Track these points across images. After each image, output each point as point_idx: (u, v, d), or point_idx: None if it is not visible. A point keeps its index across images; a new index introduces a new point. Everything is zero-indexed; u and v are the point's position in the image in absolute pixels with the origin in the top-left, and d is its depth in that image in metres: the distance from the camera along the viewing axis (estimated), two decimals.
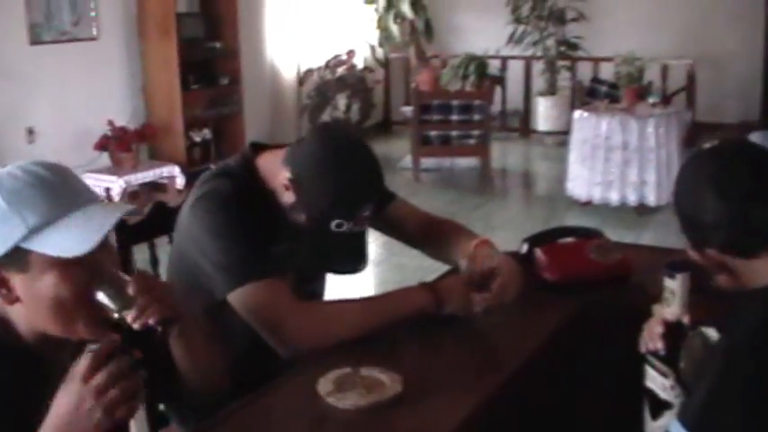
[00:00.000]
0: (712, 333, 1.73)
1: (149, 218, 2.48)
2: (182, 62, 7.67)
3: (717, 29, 10.41)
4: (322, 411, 1.77)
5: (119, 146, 7.08)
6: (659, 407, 1.76)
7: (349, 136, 2.17)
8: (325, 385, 1.82)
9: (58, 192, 1.50)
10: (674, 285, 1.75)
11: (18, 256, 1.46)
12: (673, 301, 1.74)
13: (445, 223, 2.50)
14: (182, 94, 7.73)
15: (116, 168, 7.08)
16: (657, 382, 1.75)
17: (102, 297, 1.52)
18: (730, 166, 1.65)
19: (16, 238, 1.45)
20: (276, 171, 2.16)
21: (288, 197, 2.12)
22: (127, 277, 1.56)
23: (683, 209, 1.68)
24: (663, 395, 1.74)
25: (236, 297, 2.05)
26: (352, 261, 2.18)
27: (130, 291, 1.53)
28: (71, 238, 1.45)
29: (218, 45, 8.28)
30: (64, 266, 1.47)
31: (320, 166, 2.08)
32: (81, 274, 1.49)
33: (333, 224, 2.06)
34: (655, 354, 1.76)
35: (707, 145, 1.71)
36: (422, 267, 2.39)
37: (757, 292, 1.63)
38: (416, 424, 1.74)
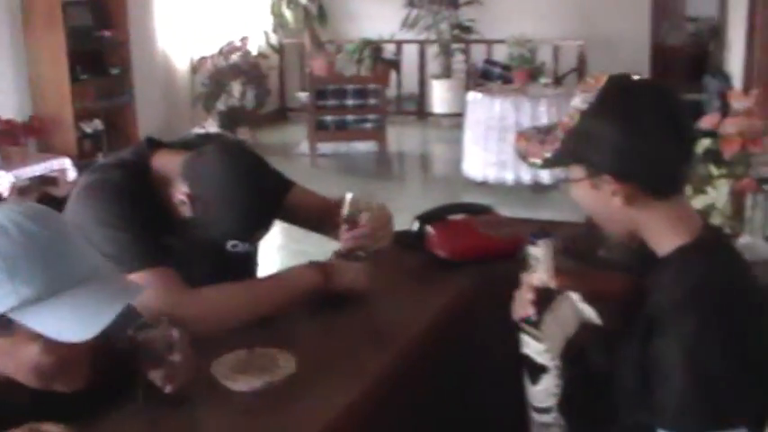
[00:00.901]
0: (576, 297, 1.82)
1: None
2: (69, 52, 7.48)
3: (606, 11, 10.65)
4: (217, 394, 1.76)
5: (6, 140, 6.89)
6: (537, 371, 1.81)
7: (248, 157, 2.14)
8: (219, 368, 1.82)
9: (53, 262, 1.43)
10: (538, 252, 1.78)
11: (2, 322, 1.41)
12: (538, 268, 1.78)
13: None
14: (71, 85, 7.55)
15: (4, 163, 6.87)
16: (532, 347, 1.80)
17: None
18: (646, 98, 1.67)
19: (5, 306, 1.39)
20: (171, 176, 2.13)
21: (185, 211, 2.10)
22: None
23: (588, 127, 1.66)
24: (539, 359, 1.79)
25: None
26: (243, 274, 2.25)
27: None
28: (67, 321, 1.41)
29: (107, 34, 8.10)
30: (49, 340, 1.42)
31: (221, 191, 2.05)
32: (65, 346, 1.44)
33: (229, 245, 2.09)
34: (527, 320, 1.80)
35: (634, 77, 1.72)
36: (324, 253, 2.39)
37: (668, 259, 1.67)
38: (311, 402, 1.75)
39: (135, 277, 2.01)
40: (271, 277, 2.19)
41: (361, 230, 2.12)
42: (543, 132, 1.76)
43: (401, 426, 2.05)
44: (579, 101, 1.68)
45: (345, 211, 2.14)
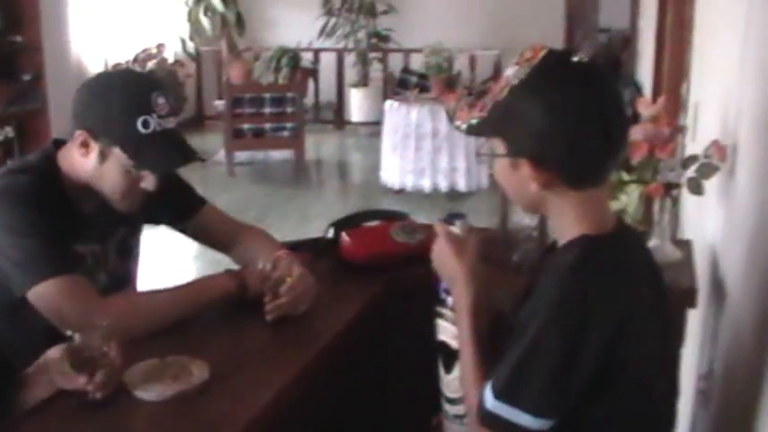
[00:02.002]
0: None
1: None
2: None
3: (520, 21, 10.83)
4: (129, 403, 1.75)
5: None
6: (452, 359, 1.81)
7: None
8: (131, 377, 1.80)
9: None
10: (455, 231, 1.80)
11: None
12: None
13: (251, 230, 2.51)
14: None
15: None
16: (449, 331, 1.80)
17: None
18: (578, 83, 1.59)
19: None
20: (73, 154, 2.13)
21: (90, 155, 2.09)
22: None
23: (512, 105, 1.59)
24: (454, 344, 1.78)
25: (35, 294, 2.00)
26: (174, 155, 2.15)
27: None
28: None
29: (18, 39, 7.94)
30: None
31: (95, 90, 2.10)
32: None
33: (139, 125, 2.03)
34: (443, 303, 1.82)
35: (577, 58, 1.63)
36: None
37: (565, 246, 1.65)
38: (224, 409, 1.74)
39: (45, 285, 1.99)
40: (184, 285, 2.18)
41: (281, 302, 2.13)
42: (475, 96, 1.70)
43: (312, 429, 2.07)
44: (512, 73, 1.61)
45: (269, 282, 2.14)
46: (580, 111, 1.56)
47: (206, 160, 2.22)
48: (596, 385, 1.55)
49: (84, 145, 2.10)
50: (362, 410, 2.27)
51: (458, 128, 1.71)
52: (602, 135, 1.58)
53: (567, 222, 1.65)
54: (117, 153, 2.07)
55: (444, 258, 1.79)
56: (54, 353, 1.77)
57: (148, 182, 2.12)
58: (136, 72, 2.15)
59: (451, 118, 1.74)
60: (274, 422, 1.80)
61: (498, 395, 1.55)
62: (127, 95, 2.07)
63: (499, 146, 1.64)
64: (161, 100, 2.08)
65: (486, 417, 1.56)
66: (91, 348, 1.74)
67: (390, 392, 2.42)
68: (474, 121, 1.66)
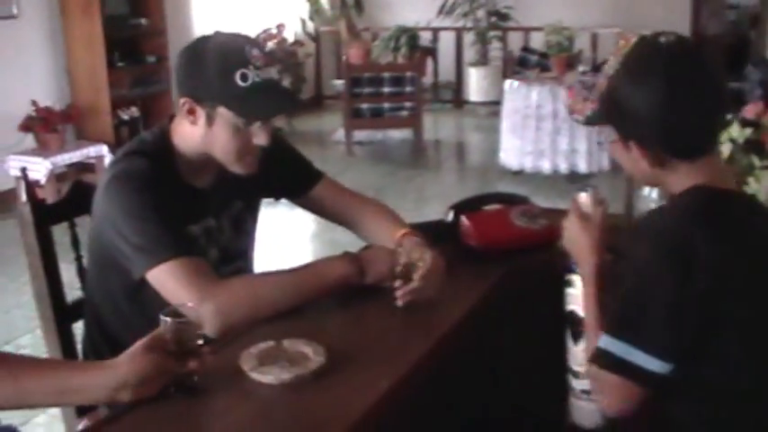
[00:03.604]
0: None
1: (69, 197, 2.43)
2: (106, 40, 7.52)
3: None
4: (246, 386, 1.74)
5: (44, 127, 6.92)
6: (579, 328, 1.85)
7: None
8: (248, 360, 1.79)
9: None
10: (584, 201, 1.91)
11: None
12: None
13: (372, 204, 2.50)
14: (107, 73, 7.58)
15: (42, 150, 6.92)
16: (578, 300, 1.86)
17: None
18: (669, 63, 1.68)
19: None
20: (183, 126, 2.16)
21: (199, 121, 2.11)
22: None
23: (612, 93, 1.73)
24: (582, 313, 1.84)
25: (155, 276, 2.02)
26: (278, 101, 2.20)
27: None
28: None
29: (143, 22, 8.14)
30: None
31: (190, 56, 2.12)
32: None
33: (237, 79, 2.04)
34: (574, 271, 1.89)
35: (664, 39, 1.70)
36: (355, 243, 2.37)
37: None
38: (341, 395, 1.72)
39: (163, 267, 2.00)
40: (302, 267, 2.16)
41: (413, 286, 2.10)
42: (588, 88, 1.84)
43: (432, 418, 2.03)
44: (612, 63, 1.74)
45: (399, 266, 2.11)
46: (669, 90, 1.65)
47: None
48: (704, 338, 1.59)
49: (191, 112, 2.11)
50: (477, 402, 2.22)
51: (578, 121, 1.93)
52: (695, 109, 1.67)
53: (687, 185, 1.71)
54: (222, 112, 2.08)
55: (572, 232, 1.90)
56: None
57: (260, 137, 2.12)
58: (225, 32, 2.16)
59: (571, 112, 1.98)
60: (390, 409, 1.76)
61: (610, 331, 1.62)
62: (220, 53, 2.08)
63: (611, 132, 1.78)
64: (255, 51, 2.09)
65: (598, 354, 1.62)
66: (187, 331, 1.73)
67: (504, 382, 2.36)
68: (589, 113, 1.82)
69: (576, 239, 1.88)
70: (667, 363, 1.58)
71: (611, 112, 1.75)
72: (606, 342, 1.61)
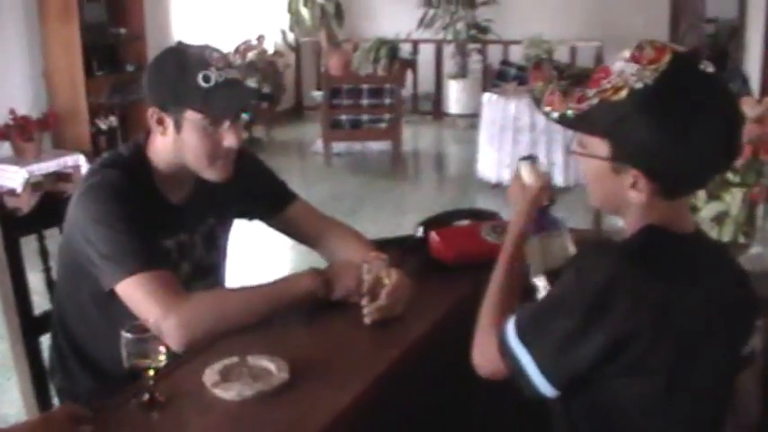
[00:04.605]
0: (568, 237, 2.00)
1: (38, 209, 2.43)
2: (85, 48, 7.49)
3: (623, 11, 10.59)
4: (208, 402, 1.74)
5: (20, 135, 6.88)
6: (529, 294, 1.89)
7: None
8: (211, 375, 1.79)
9: None
10: (525, 170, 1.99)
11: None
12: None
13: (341, 228, 2.51)
14: (86, 81, 7.55)
15: (18, 158, 6.88)
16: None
17: None
18: (704, 102, 1.51)
19: None
20: (155, 138, 2.19)
21: (168, 130, 2.14)
22: None
23: (632, 115, 1.51)
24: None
25: (123, 287, 2.02)
26: (242, 96, 2.24)
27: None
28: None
29: (122, 30, 8.13)
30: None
31: (154, 66, 2.18)
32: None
33: (200, 80, 2.05)
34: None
35: (703, 67, 1.54)
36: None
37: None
38: (303, 410, 1.72)
39: (132, 279, 2.00)
40: (271, 283, 2.16)
41: (380, 304, 2.11)
42: (568, 80, 1.65)
43: None
44: (630, 71, 1.51)
45: (366, 284, 2.12)
46: (703, 131, 1.50)
47: (273, 98, 2.34)
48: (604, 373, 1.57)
49: (160, 122, 2.14)
50: (446, 415, 2.22)
51: (547, 114, 1.65)
52: (721, 153, 1.55)
53: (642, 223, 1.61)
54: (189, 115, 2.10)
55: (510, 194, 2.02)
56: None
57: (229, 138, 2.13)
58: (185, 42, 2.20)
59: (538, 101, 1.67)
60: (355, 424, 1.77)
61: (519, 333, 1.60)
62: (182, 59, 2.11)
63: (600, 146, 1.58)
64: (215, 54, 2.12)
65: (506, 351, 1.62)
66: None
67: (476, 395, 2.36)
68: (570, 113, 1.59)
69: (513, 202, 2.00)
70: (557, 385, 1.59)
71: (616, 127, 1.53)
72: (514, 341, 1.61)
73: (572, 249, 1.96)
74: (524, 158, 2.02)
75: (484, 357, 1.72)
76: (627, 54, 1.54)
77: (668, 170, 1.53)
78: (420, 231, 2.51)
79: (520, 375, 1.60)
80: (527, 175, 1.98)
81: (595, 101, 1.55)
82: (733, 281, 1.70)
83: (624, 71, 1.52)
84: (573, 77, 1.67)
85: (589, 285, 1.54)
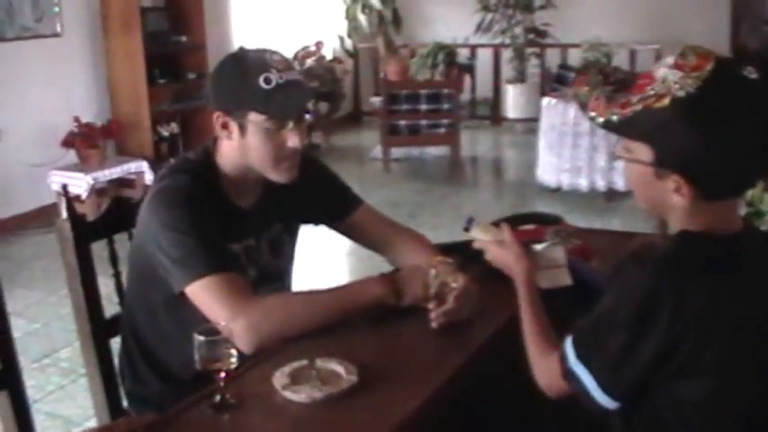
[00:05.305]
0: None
1: (107, 214, 2.47)
2: (147, 57, 7.60)
3: (682, 14, 10.47)
4: (278, 404, 1.76)
5: (85, 142, 7.01)
6: None
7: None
8: (280, 378, 1.81)
9: None
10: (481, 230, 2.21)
11: None
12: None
13: (408, 233, 2.52)
14: (148, 89, 7.66)
15: (83, 165, 7.01)
16: None
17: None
18: (747, 107, 1.54)
19: None
20: (222, 144, 2.22)
21: (233, 134, 2.16)
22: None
23: (674, 121, 1.53)
24: None
25: (193, 290, 2.05)
26: (303, 97, 2.27)
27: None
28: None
29: (183, 39, 8.22)
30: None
31: (217, 73, 2.21)
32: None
33: (261, 82, 2.08)
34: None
35: (746, 73, 1.56)
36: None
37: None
38: (372, 413, 1.74)
39: (201, 282, 2.03)
40: (341, 288, 2.18)
41: (447, 308, 2.11)
42: (613, 85, 1.67)
43: None
44: (673, 78, 1.54)
45: (433, 288, 2.13)
46: (745, 137, 1.53)
47: (334, 96, 2.40)
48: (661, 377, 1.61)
49: (225, 126, 2.17)
50: (511, 420, 2.22)
51: (592, 119, 1.68)
52: (763, 159, 1.57)
53: (686, 225, 1.64)
54: (252, 117, 2.13)
55: (495, 258, 2.15)
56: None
57: (293, 140, 2.15)
58: (246, 48, 2.25)
59: (584, 105, 1.70)
60: (422, 428, 1.78)
61: (577, 353, 1.67)
62: (243, 63, 2.15)
63: (643, 151, 1.61)
64: (276, 57, 2.15)
65: (567, 371, 1.68)
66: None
67: (541, 401, 2.36)
68: (615, 118, 1.62)
69: (501, 261, 2.12)
70: (617, 397, 1.65)
71: (659, 133, 1.56)
72: (574, 363, 1.68)
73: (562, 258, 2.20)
74: (466, 227, 2.24)
75: (549, 380, 1.78)
76: (671, 61, 1.57)
77: (709, 176, 1.56)
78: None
79: (583, 393, 1.66)
80: (483, 236, 2.20)
81: (639, 107, 1.58)
82: None
83: (667, 78, 1.55)
84: (617, 83, 1.66)
85: (632, 299, 1.58)
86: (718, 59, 1.54)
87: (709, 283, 1.57)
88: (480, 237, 2.21)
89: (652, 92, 1.56)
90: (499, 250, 2.14)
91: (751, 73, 1.55)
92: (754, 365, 1.65)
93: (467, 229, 2.23)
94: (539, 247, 2.17)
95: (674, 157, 1.56)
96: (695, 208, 1.61)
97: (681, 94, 1.52)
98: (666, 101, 1.53)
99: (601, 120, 1.65)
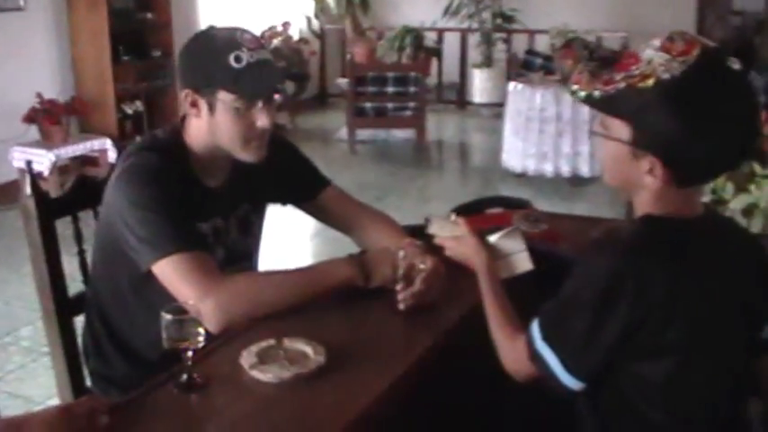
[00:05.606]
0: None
1: (72, 192, 2.44)
2: (112, 34, 7.53)
3: (650, 3, 10.52)
4: (245, 384, 1.76)
5: (48, 119, 6.92)
6: None
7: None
8: (248, 357, 1.81)
9: None
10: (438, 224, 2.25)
11: None
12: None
13: (375, 214, 2.52)
14: (112, 67, 7.59)
15: (45, 142, 6.92)
16: None
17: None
18: (729, 97, 1.56)
19: None
20: (191, 122, 2.20)
21: (202, 112, 2.15)
22: None
23: (656, 103, 1.55)
24: None
25: (160, 268, 2.03)
26: (273, 77, 2.26)
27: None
28: None
29: (149, 16, 8.15)
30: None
31: (186, 50, 2.18)
32: None
33: (231, 61, 2.07)
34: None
35: (731, 64, 1.58)
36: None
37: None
38: (339, 394, 1.73)
39: (168, 260, 2.01)
40: (306, 268, 2.17)
41: (414, 289, 2.11)
42: (598, 62, 1.68)
43: (431, 418, 2.04)
44: (659, 61, 1.54)
45: (401, 270, 2.12)
46: (724, 126, 1.56)
47: (303, 77, 2.37)
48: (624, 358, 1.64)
49: (193, 104, 2.15)
50: (478, 402, 2.23)
51: (573, 93, 1.68)
52: (738, 150, 1.62)
53: (651, 208, 1.67)
54: (222, 96, 2.11)
55: (454, 253, 2.16)
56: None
57: (262, 119, 2.14)
58: (216, 26, 2.22)
59: (566, 78, 1.74)
60: (389, 409, 1.78)
61: (543, 335, 1.68)
62: (213, 41, 2.13)
63: (622, 129, 1.62)
64: (247, 36, 2.13)
65: (534, 353, 1.70)
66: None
67: (508, 383, 2.37)
68: (597, 93, 1.63)
69: (460, 255, 2.15)
70: (582, 378, 1.68)
71: (640, 113, 1.57)
72: (541, 345, 1.69)
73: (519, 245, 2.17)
74: (424, 226, 2.28)
75: (516, 364, 1.80)
76: (657, 43, 1.58)
77: (685, 161, 1.58)
78: (452, 218, 2.50)
79: (549, 374, 1.68)
80: (441, 232, 2.23)
81: (622, 85, 1.58)
82: (754, 258, 1.75)
83: (653, 60, 1.56)
84: (602, 59, 1.68)
85: (596, 281, 1.61)
86: (704, 47, 1.56)
87: (672, 267, 1.60)
88: (438, 233, 2.23)
89: (637, 71, 1.56)
90: (457, 245, 2.16)
91: (734, 63, 1.57)
92: (714, 347, 1.68)
93: (426, 228, 2.25)
94: (493, 237, 2.15)
95: (653, 139, 1.57)
96: (664, 191, 1.63)
97: (666, 76, 1.53)
98: (650, 81, 1.54)
99: (583, 93, 1.66)
